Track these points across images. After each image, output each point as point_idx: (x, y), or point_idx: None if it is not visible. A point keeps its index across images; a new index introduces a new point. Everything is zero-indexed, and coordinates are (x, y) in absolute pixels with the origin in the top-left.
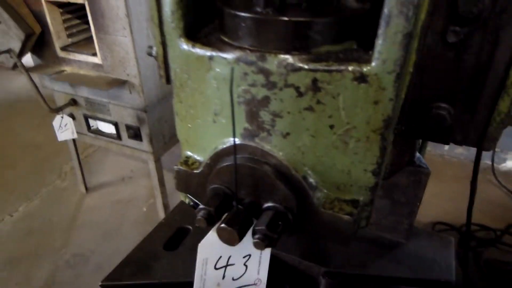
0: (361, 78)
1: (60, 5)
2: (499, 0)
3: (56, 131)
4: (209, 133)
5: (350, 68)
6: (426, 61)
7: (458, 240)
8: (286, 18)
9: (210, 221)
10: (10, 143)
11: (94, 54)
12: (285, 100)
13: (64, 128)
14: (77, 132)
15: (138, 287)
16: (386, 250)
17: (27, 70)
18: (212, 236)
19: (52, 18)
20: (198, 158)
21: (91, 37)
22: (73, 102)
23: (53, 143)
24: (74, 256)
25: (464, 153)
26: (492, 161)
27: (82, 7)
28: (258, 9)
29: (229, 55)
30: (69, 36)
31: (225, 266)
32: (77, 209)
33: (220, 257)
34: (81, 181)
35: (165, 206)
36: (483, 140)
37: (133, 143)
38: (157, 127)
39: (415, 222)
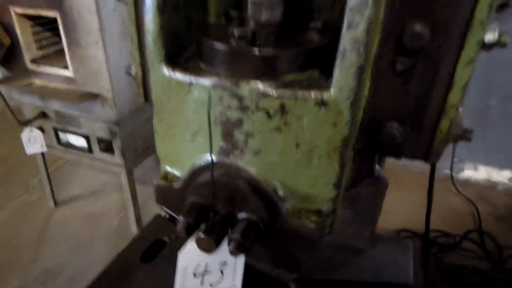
0: (322, 104)
1: (31, 17)
2: (437, 36)
3: (25, 144)
4: (187, 151)
5: (313, 94)
6: (379, 85)
7: (421, 246)
8: (257, 51)
9: (189, 231)
10: None
11: (66, 67)
12: (256, 121)
13: (33, 141)
14: (47, 145)
15: None
16: (351, 256)
17: None
18: (191, 245)
19: (22, 30)
20: (176, 173)
21: (62, 49)
22: (43, 114)
23: (19, 156)
24: (44, 272)
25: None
26: (451, 170)
27: (53, 19)
28: (233, 42)
29: (207, 81)
30: (39, 48)
31: (203, 273)
32: (46, 223)
33: (198, 264)
34: (50, 195)
35: (138, 219)
36: (428, 155)
37: (104, 156)
38: (129, 140)
39: (381, 229)
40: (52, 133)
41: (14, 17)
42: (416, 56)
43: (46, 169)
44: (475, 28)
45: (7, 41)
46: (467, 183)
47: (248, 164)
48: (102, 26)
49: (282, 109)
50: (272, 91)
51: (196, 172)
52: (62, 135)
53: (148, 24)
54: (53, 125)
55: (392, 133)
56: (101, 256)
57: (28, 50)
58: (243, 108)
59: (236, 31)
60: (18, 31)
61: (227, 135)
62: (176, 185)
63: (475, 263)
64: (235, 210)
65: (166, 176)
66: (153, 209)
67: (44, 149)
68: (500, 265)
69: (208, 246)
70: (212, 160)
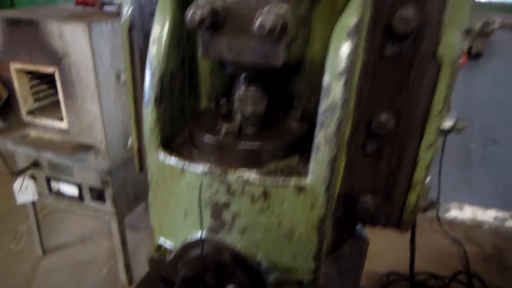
0: (300, 189)
1: (29, 72)
2: (401, 124)
3: (16, 194)
4: (180, 226)
5: (292, 181)
6: (352, 165)
7: None
8: (243, 145)
9: None
10: None
11: (61, 119)
12: (242, 204)
13: (25, 190)
14: (38, 193)
15: None
16: None
17: None
18: None
19: (20, 84)
20: (169, 245)
21: (58, 101)
22: (35, 164)
23: (6, 203)
24: None
25: None
26: (437, 212)
27: (51, 74)
28: (221, 136)
29: (198, 168)
30: (36, 100)
31: None
32: (33, 272)
33: None
34: (38, 243)
35: (127, 266)
36: (400, 224)
37: (96, 204)
38: (121, 188)
39: (370, 272)
40: (44, 182)
41: (13, 72)
42: (383, 140)
43: (36, 217)
44: (433, 117)
45: (4, 94)
46: (454, 222)
47: (235, 241)
48: (98, 82)
49: (265, 194)
50: (256, 179)
51: (187, 247)
52: (54, 184)
53: (146, 115)
54: (45, 173)
55: (366, 206)
56: None
57: (25, 102)
58: (230, 193)
59: (224, 128)
60: (16, 85)
61: (216, 215)
62: (168, 258)
63: None
64: (223, 282)
65: (160, 248)
66: (142, 256)
67: (36, 198)
68: None
69: None
70: (201, 238)
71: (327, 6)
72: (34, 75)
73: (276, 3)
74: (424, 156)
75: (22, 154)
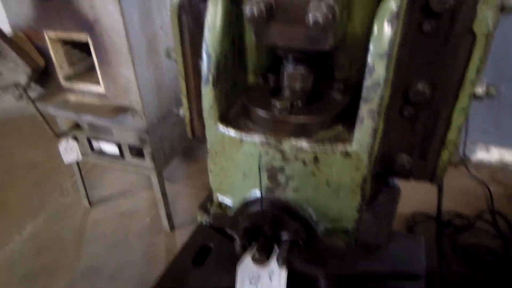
0: (347, 154)
1: (63, 40)
2: (436, 92)
3: (62, 155)
4: (238, 186)
5: (339, 148)
6: (391, 127)
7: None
8: (295, 120)
9: (245, 249)
10: (8, 163)
11: (97, 84)
12: (295, 168)
13: (69, 151)
14: (81, 153)
15: None
16: (372, 252)
17: (34, 101)
18: (247, 261)
19: (55, 52)
20: (228, 202)
21: (92, 65)
22: (76, 126)
23: (51, 162)
24: (87, 269)
25: None
26: (464, 154)
27: (84, 42)
28: (275, 111)
29: (256, 139)
30: (70, 65)
31: (257, 280)
32: (83, 223)
33: (253, 273)
34: (85, 196)
35: (169, 216)
36: (433, 179)
37: (136, 161)
38: (158, 145)
39: (398, 214)
40: (85, 142)
41: (47, 40)
42: (419, 106)
43: (80, 173)
44: (466, 86)
45: (41, 62)
46: (480, 164)
47: (289, 198)
48: (130, 47)
49: (315, 160)
50: (307, 147)
51: (247, 204)
52: (95, 144)
53: (205, 94)
54: (86, 134)
55: (402, 164)
56: (138, 252)
57: (61, 69)
58: (284, 159)
59: (278, 104)
60: (51, 52)
61: (272, 178)
62: (230, 213)
63: (488, 242)
64: (279, 232)
65: (220, 205)
66: (181, 205)
67: (80, 158)
68: None
69: (261, 261)
70: (261, 196)
71: None
72: (68, 42)
73: None
74: (457, 119)
75: (63, 118)
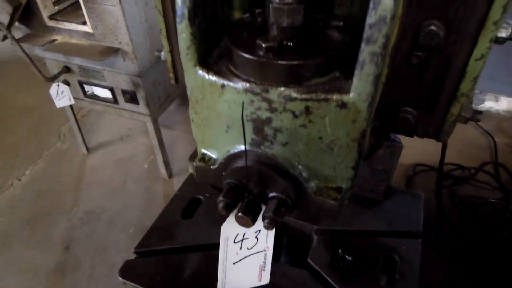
0: (342, 105)
1: None
2: (452, 34)
3: (54, 99)
4: (222, 139)
5: (334, 97)
6: (395, 75)
7: (436, 179)
8: (283, 62)
9: (228, 209)
10: (3, 107)
11: (84, 23)
12: (284, 120)
13: (61, 95)
14: (74, 98)
15: (165, 252)
16: (367, 208)
17: (18, 41)
18: (231, 220)
19: None
20: (212, 155)
21: (78, 3)
22: (67, 69)
23: (47, 106)
24: (86, 214)
25: None
26: (471, 103)
27: None
28: (261, 53)
29: (239, 86)
30: (55, 3)
31: (242, 240)
32: (82, 169)
33: (238, 234)
34: (82, 142)
35: (166, 163)
36: (439, 135)
37: (130, 106)
38: (152, 90)
39: (398, 165)
40: (77, 86)
41: None
42: (430, 51)
43: (75, 118)
44: (488, 27)
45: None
46: (487, 114)
47: (277, 153)
48: None
49: (307, 110)
50: (298, 96)
51: (231, 158)
52: (87, 88)
53: (180, 33)
54: (77, 78)
55: (406, 117)
56: (136, 197)
57: (45, 6)
58: (272, 110)
59: (263, 43)
60: None
61: (258, 130)
62: (213, 166)
63: (488, 194)
64: (266, 190)
65: (204, 158)
66: (179, 151)
67: (72, 102)
68: None
69: (246, 223)
70: (245, 150)
71: None
72: None
73: None
74: (473, 67)
75: (52, 61)
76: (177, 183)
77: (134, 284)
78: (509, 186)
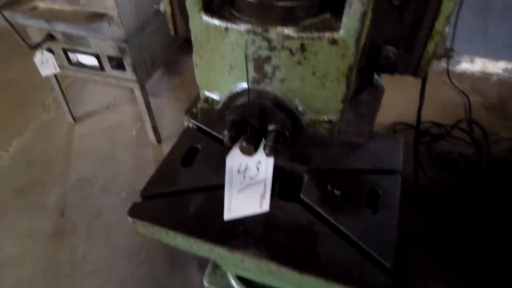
0: (333, 42)
1: None
2: None
3: (38, 68)
4: (225, 80)
5: (326, 35)
6: (378, 17)
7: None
8: (281, 4)
9: (233, 141)
10: None
11: None
12: (282, 58)
13: (46, 63)
14: (58, 66)
15: (170, 194)
16: (352, 150)
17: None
18: (235, 151)
19: None
20: (215, 97)
21: None
22: (50, 37)
23: (28, 79)
24: (79, 181)
25: None
26: (448, 65)
27: None
28: None
29: (241, 28)
30: None
31: (244, 170)
32: (70, 138)
33: (241, 164)
34: (68, 112)
35: (154, 128)
36: (417, 71)
37: (117, 73)
38: (138, 56)
39: (378, 123)
40: (61, 53)
41: None
42: None
43: (61, 88)
44: None
45: None
46: (463, 75)
47: (275, 89)
48: None
49: (302, 47)
50: (294, 34)
51: (233, 97)
52: (72, 56)
53: None
54: (62, 46)
55: (389, 56)
56: (126, 164)
57: None
58: (271, 48)
59: None
60: None
61: (258, 68)
62: (217, 107)
63: (462, 149)
64: (266, 124)
65: (207, 100)
66: (166, 118)
67: (58, 70)
68: (484, 149)
69: (249, 151)
70: (248, 87)
71: None
72: None
73: None
74: (446, 7)
75: (35, 28)
76: (166, 148)
77: (143, 222)
78: (481, 141)
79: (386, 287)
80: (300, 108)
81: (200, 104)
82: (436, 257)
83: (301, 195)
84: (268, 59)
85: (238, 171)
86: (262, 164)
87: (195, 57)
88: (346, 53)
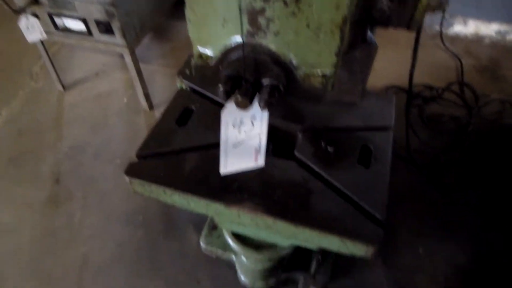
0: None
1: None
2: None
3: (24, 33)
4: (218, 34)
5: None
6: None
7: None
8: None
9: (228, 95)
10: None
11: None
12: (276, 9)
13: (31, 29)
14: (44, 32)
15: (165, 153)
16: (345, 108)
17: None
18: (230, 105)
19: None
20: (209, 52)
21: None
22: (35, 1)
23: (13, 46)
24: (71, 148)
25: None
26: (441, 27)
27: None
28: None
29: None
30: None
31: (240, 125)
32: (60, 106)
33: (236, 118)
34: (57, 80)
35: (146, 95)
36: (410, 24)
37: (105, 38)
38: (127, 19)
39: (371, 86)
40: (47, 19)
41: None
42: None
43: (48, 55)
44: None
45: None
46: (456, 38)
47: (270, 43)
48: None
49: None
50: None
51: (227, 52)
52: (58, 20)
53: None
54: (47, 10)
55: (382, 8)
56: (118, 130)
57: None
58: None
59: None
60: None
61: (252, 21)
62: (211, 62)
63: (453, 111)
64: (260, 78)
65: (201, 56)
66: (158, 84)
67: (44, 36)
68: (475, 111)
69: (244, 104)
70: (243, 40)
71: None
72: None
73: None
74: None
75: None
76: (159, 114)
77: (140, 180)
78: (472, 104)
79: (377, 235)
80: (294, 62)
81: (193, 61)
82: (424, 216)
83: (296, 152)
84: (262, 10)
85: (233, 126)
86: (257, 119)
87: (188, 11)
88: (340, 3)
